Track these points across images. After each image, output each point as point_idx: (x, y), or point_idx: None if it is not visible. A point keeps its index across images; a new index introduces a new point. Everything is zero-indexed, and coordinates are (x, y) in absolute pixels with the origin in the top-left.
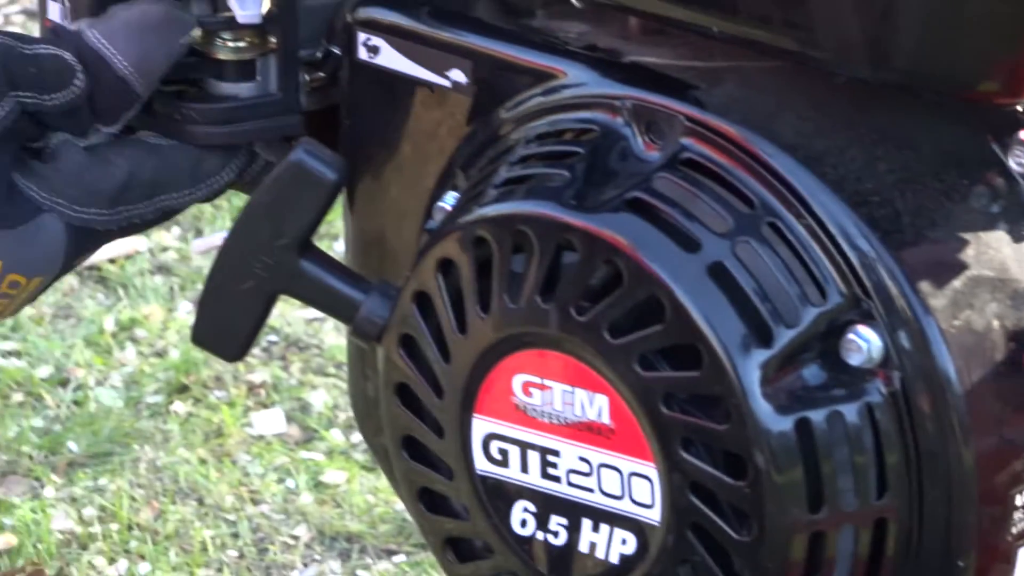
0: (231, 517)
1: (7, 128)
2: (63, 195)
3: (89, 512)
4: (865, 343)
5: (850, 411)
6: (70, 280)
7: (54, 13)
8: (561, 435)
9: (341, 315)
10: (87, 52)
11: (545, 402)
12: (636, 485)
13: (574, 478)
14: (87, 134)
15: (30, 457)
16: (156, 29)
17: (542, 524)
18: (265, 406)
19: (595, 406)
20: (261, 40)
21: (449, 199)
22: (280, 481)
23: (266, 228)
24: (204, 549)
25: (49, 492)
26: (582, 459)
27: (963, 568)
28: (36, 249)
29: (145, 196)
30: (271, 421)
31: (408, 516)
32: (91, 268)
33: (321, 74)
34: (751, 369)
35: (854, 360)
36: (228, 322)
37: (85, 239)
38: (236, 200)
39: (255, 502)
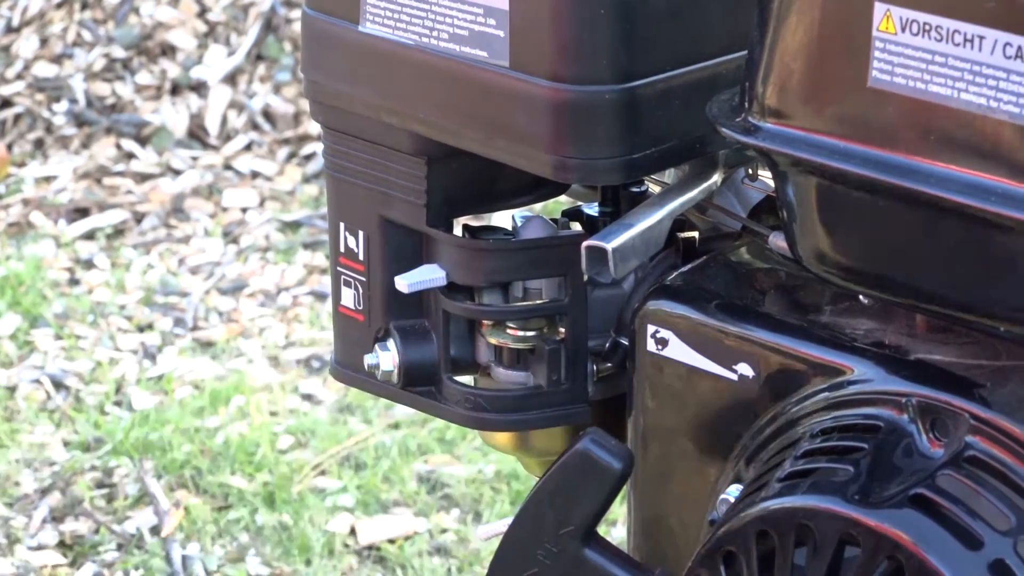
0: None
1: None
2: None
3: None
4: None
5: None
6: (349, 560)
7: (348, 299)
8: None
9: None
10: None
11: None
12: None
13: None
14: None
15: None
16: None
17: None
18: None
19: None
20: (550, 330)
21: (733, 491)
22: None
23: (551, 516)
24: None
25: None
26: None
27: None
28: None
29: None
30: None
31: None
32: (371, 548)
33: (609, 364)
34: None
35: None
36: None
37: None
38: (516, 484)
39: None
